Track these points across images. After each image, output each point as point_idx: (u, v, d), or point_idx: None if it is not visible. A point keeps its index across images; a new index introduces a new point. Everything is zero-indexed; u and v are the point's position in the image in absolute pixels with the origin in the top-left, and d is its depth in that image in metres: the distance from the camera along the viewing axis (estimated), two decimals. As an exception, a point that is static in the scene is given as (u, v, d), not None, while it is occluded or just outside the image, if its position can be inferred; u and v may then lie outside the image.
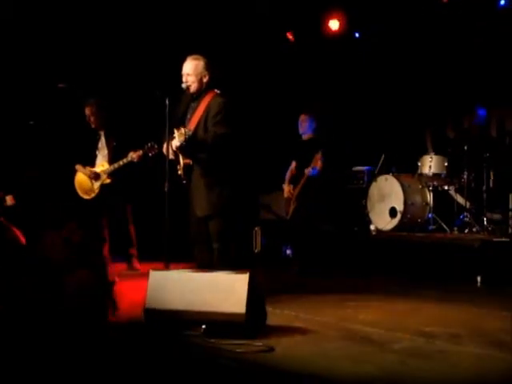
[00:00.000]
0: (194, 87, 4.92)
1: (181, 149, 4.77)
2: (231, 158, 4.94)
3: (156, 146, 6.39)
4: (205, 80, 4.92)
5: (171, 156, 4.88)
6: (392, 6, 8.78)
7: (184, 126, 4.86)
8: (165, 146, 4.88)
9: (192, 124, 4.90)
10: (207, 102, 4.90)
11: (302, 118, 7.47)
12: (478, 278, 6.09)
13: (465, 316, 4.66)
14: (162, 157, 6.32)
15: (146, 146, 6.42)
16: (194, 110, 4.95)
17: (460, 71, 8.62)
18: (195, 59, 4.95)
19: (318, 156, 7.04)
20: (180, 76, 5.02)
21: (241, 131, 5.19)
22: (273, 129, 9.10)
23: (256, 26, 9.07)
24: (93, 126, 6.86)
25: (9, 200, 7.21)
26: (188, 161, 4.88)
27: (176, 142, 4.77)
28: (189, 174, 4.93)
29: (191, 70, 4.91)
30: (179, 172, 4.93)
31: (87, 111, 6.84)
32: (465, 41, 8.54)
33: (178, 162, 4.93)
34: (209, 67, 4.93)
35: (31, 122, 7.97)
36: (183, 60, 5.07)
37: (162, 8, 8.56)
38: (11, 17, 7.74)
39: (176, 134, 4.80)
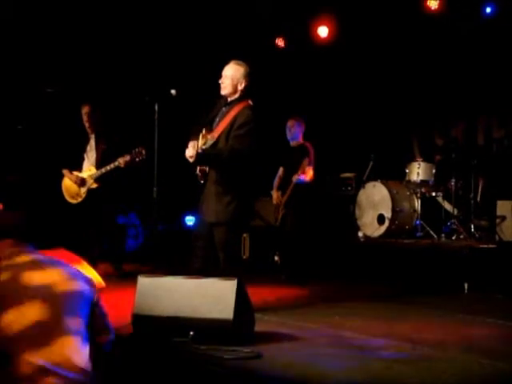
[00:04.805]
0: (226, 90, 4.88)
1: (192, 160, 4.73)
2: (246, 172, 4.87)
3: (144, 152, 6.38)
4: (240, 87, 4.87)
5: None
6: (381, 14, 8.84)
7: (211, 130, 4.82)
8: (190, 147, 4.81)
9: (218, 130, 4.85)
10: (237, 110, 4.83)
11: (290, 123, 7.43)
12: (465, 285, 6.11)
13: (451, 323, 4.68)
14: (150, 162, 6.35)
15: (134, 152, 6.41)
16: (223, 115, 4.90)
17: (448, 80, 8.69)
18: (237, 64, 4.92)
19: (305, 163, 7.02)
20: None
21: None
22: (261, 134, 9.10)
23: (245, 31, 9.10)
24: (87, 125, 6.81)
25: (-2, 207, 7.17)
26: (204, 167, 4.86)
27: (189, 153, 4.73)
28: (205, 177, 4.88)
29: (229, 72, 4.88)
30: (197, 172, 4.90)
31: (84, 110, 6.80)
32: (453, 49, 8.60)
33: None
34: (248, 76, 4.88)
35: (19, 127, 7.95)
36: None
37: (152, 14, 8.57)
38: (10, 17, 7.72)
39: (200, 138, 4.74)
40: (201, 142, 4.74)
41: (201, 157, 4.70)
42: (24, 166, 8.01)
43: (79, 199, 6.75)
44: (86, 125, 6.81)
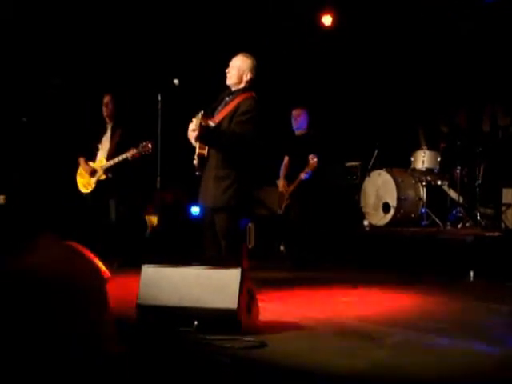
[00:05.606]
0: (231, 80, 4.91)
1: (198, 136, 4.69)
2: (246, 159, 4.86)
3: (150, 146, 6.43)
4: (245, 78, 4.90)
5: (193, 142, 4.82)
6: (387, 2, 8.79)
7: (209, 116, 4.80)
8: (190, 129, 4.79)
9: (219, 116, 4.87)
10: (240, 99, 4.87)
11: (297, 112, 7.41)
12: (471, 273, 6.10)
13: (457, 310, 4.67)
14: (154, 152, 6.36)
15: (141, 146, 6.47)
16: (226, 104, 4.92)
17: (454, 67, 8.63)
18: (244, 56, 4.96)
19: (313, 159, 7.01)
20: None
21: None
22: (265, 123, 9.08)
23: (250, 21, 9.05)
24: (105, 114, 6.91)
25: (1, 199, 7.24)
26: (202, 152, 4.84)
27: (192, 126, 4.72)
28: (202, 166, 4.89)
29: (236, 63, 4.93)
30: (194, 162, 4.89)
31: (105, 99, 6.91)
32: (458, 36, 8.55)
33: (194, 152, 4.88)
34: (254, 69, 4.92)
35: (24, 119, 7.97)
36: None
37: (154, 3, 8.55)
38: (11, 17, 7.73)
39: (199, 119, 4.71)
40: (196, 120, 4.71)
41: (203, 131, 4.67)
42: (35, 156, 8.06)
43: (90, 189, 6.86)
44: (105, 114, 6.91)
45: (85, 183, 6.91)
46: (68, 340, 2.22)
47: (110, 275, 5.59)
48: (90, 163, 6.90)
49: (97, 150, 6.94)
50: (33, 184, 7.96)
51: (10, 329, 2.18)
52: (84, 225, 6.79)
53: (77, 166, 6.97)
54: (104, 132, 6.96)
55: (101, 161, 6.85)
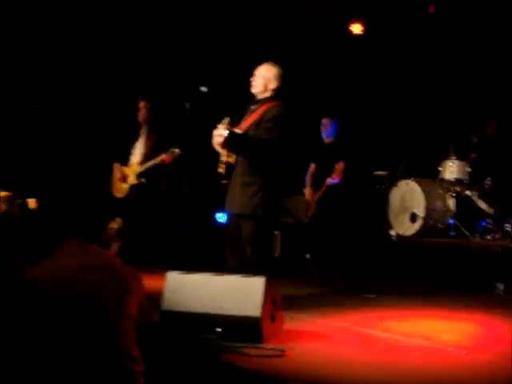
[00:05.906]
0: (257, 89, 4.95)
1: (224, 142, 4.69)
2: (272, 165, 4.87)
3: (177, 151, 6.47)
4: (270, 87, 4.93)
5: (218, 149, 4.85)
6: (414, 11, 8.75)
7: (235, 124, 4.83)
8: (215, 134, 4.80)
9: (245, 124, 4.90)
10: (266, 107, 4.89)
11: (326, 121, 7.43)
12: (500, 286, 6.01)
13: (484, 324, 4.59)
14: (181, 159, 6.41)
15: (169, 151, 6.51)
16: (252, 112, 4.96)
17: (484, 76, 8.56)
18: (270, 65, 4.99)
19: (340, 166, 7.01)
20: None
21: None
22: (292, 131, 9.08)
23: (278, 27, 9.07)
24: (141, 120, 6.95)
25: (31, 203, 7.31)
26: (230, 159, 4.86)
27: (218, 131, 4.74)
28: (229, 174, 4.90)
29: (261, 72, 4.97)
30: (220, 170, 4.91)
31: (141, 104, 6.95)
32: (489, 47, 8.47)
33: (221, 160, 4.91)
34: (279, 77, 4.95)
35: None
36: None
37: (182, 11, 8.62)
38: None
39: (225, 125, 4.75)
40: (221, 127, 4.73)
41: (230, 136, 4.68)
42: (69, 160, 8.16)
43: (123, 194, 6.87)
44: (141, 120, 6.94)
45: (118, 188, 6.94)
46: (69, 341, 2.23)
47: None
48: (124, 168, 6.95)
49: (130, 155, 7.00)
50: (66, 188, 8.05)
51: (10, 330, 2.20)
52: (116, 230, 6.82)
53: (111, 170, 7.02)
54: (138, 137, 7.02)
55: (134, 166, 6.89)
